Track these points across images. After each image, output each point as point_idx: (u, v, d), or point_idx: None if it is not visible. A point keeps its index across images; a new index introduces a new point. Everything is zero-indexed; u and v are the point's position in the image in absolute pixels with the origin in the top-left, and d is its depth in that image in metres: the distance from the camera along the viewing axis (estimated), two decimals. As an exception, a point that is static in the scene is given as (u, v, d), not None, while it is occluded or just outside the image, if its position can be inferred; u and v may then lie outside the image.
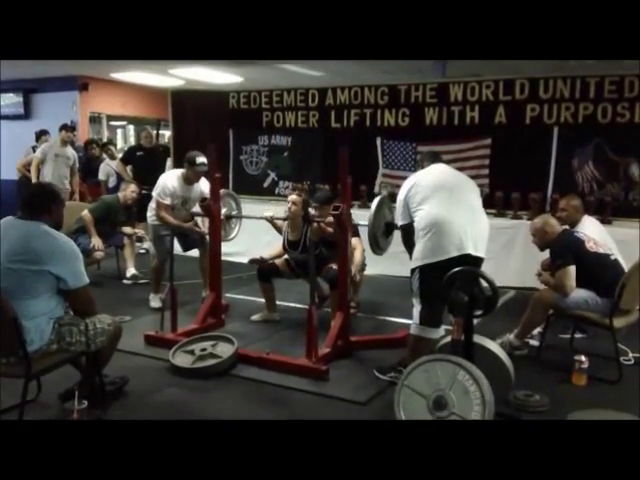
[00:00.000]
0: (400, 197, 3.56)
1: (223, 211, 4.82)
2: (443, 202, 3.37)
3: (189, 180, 5.04)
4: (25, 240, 2.79)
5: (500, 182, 6.17)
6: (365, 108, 6.89)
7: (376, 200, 3.73)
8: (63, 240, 2.89)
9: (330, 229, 4.31)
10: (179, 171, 5.17)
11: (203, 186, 5.05)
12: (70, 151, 8.01)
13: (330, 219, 4.12)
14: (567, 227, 4.22)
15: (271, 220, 4.84)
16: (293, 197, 4.73)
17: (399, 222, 3.60)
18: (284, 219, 4.79)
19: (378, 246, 3.73)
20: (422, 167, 3.74)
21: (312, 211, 4.63)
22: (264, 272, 4.81)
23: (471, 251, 3.28)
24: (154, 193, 5.06)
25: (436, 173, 3.60)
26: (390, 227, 3.79)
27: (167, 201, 4.97)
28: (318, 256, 4.38)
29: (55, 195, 3.05)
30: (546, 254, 4.12)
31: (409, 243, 3.52)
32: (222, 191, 4.84)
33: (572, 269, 3.78)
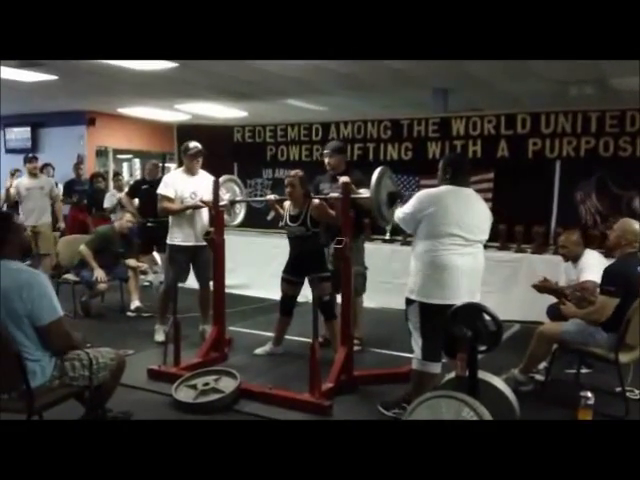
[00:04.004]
0: (414, 210, 3.39)
1: (227, 197, 4.91)
2: (455, 247, 3.30)
3: (190, 170, 5.11)
4: None
5: (503, 215, 6.15)
6: (368, 142, 6.96)
7: (377, 172, 3.69)
8: (29, 274, 2.78)
9: (332, 212, 4.29)
10: (180, 169, 5.40)
11: (206, 180, 4.96)
12: (43, 180, 7.94)
13: (333, 195, 4.15)
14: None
15: (274, 202, 4.69)
16: (292, 172, 4.62)
17: (401, 224, 3.53)
18: (285, 199, 4.64)
19: (383, 217, 3.75)
20: (451, 177, 3.47)
21: (326, 159, 4.77)
22: (286, 304, 4.73)
23: (466, 300, 3.18)
24: (158, 191, 5.13)
25: (461, 204, 3.38)
26: (393, 197, 3.77)
27: (169, 192, 5.03)
28: (315, 236, 4.47)
29: (8, 224, 2.91)
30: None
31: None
32: (224, 177, 4.94)
33: (615, 302, 3.66)
